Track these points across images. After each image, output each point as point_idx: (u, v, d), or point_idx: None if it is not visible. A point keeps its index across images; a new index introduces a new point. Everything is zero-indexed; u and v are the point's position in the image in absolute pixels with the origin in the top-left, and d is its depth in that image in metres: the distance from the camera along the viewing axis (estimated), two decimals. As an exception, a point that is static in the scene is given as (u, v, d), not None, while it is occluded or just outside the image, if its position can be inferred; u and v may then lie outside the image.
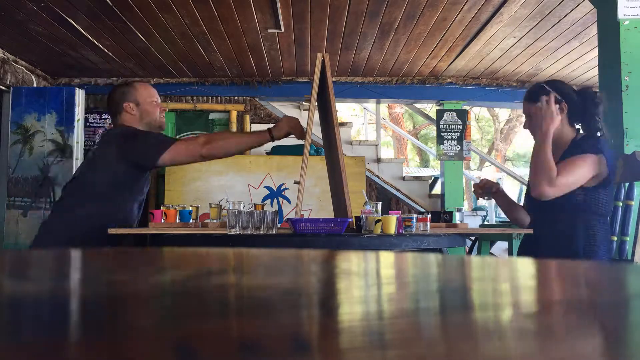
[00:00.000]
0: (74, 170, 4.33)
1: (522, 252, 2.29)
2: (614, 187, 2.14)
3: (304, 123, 2.38)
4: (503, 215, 8.37)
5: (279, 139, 2.34)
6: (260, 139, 2.34)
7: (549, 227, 2.07)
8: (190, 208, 2.35)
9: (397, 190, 5.73)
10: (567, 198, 2.02)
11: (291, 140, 5.41)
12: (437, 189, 6.09)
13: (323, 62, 2.27)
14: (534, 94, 2.14)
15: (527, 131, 2.21)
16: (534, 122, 2.12)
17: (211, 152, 2.27)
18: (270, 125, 2.43)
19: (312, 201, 4.79)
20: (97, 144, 2.57)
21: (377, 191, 5.68)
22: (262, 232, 1.87)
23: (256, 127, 5.61)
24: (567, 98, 2.11)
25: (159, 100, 2.47)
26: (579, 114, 2.12)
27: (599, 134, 2.10)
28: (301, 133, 2.34)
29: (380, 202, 2.18)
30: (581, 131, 2.16)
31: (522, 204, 2.39)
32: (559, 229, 2.05)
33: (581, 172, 2.00)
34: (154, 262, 0.67)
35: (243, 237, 1.82)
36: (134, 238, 2.24)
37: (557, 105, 2.07)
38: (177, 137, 5.46)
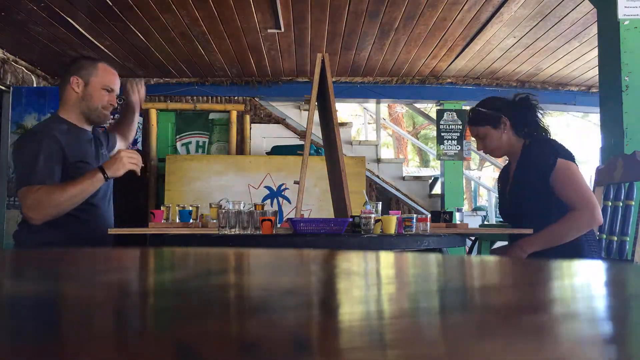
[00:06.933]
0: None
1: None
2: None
3: (304, 123, 2.38)
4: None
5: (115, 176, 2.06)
6: (93, 183, 2.02)
7: (535, 227, 2.08)
8: (190, 208, 2.35)
9: (397, 190, 5.73)
10: (548, 200, 2.08)
11: (291, 140, 5.46)
12: (437, 189, 6.09)
13: (323, 62, 2.27)
14: (476, 120, 2.25)
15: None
16: (486, 143, 2.24)
17: (37, 218, 1.99)
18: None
19: (312, 201, 4.79)
20: None
21: (377, 191, 5.68)
22: (262, 232, 1.87)
23: (256, 127, 5.61)
24: (504, 112, 2.21)
25: (116, 92, 2.19)
26: (521, 121, 2.21)
27: (545, 134, 2.20)
28: (138, 169, 2.09)
29: (380, 202, 2.18)
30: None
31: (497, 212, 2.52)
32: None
33: (580, 179, 2.05)
34: (153, 262, 0.67)
35: (243, 237, 1.82)
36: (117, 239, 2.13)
37: (500, 122, 2.19)
38: (177, 138, 5.47)
